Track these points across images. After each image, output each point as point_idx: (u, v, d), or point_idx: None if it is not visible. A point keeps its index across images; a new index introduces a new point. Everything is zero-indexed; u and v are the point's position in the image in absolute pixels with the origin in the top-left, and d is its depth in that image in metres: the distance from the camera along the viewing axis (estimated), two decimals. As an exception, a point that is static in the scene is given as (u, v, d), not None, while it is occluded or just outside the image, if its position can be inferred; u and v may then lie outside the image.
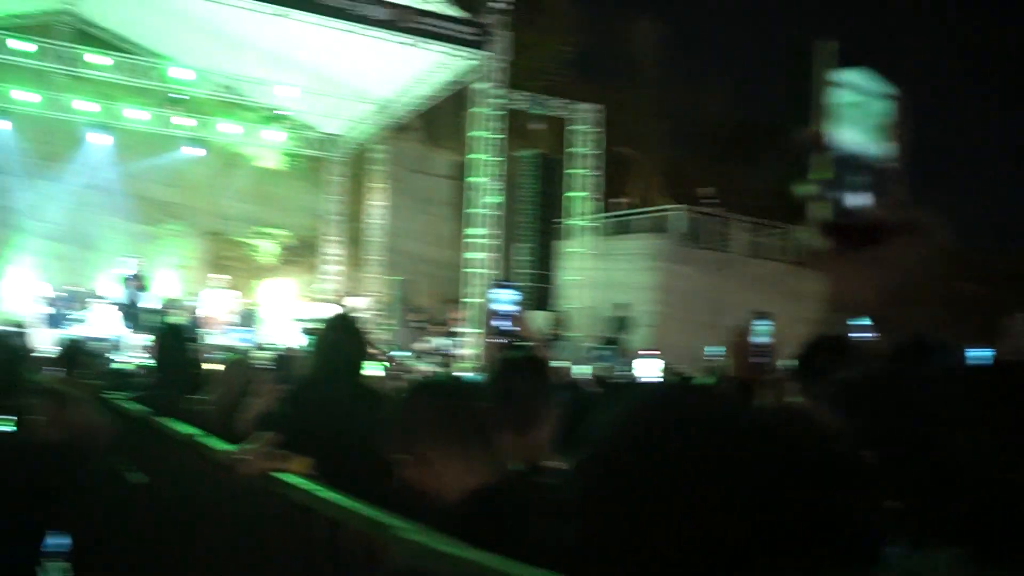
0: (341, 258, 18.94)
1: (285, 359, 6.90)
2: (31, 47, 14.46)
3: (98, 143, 16.78)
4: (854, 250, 0.86)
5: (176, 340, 4.58)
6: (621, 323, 15.00)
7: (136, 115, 16.63)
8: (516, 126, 14.65)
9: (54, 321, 14.79)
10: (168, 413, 3.71)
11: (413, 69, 14.74)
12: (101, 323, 14.31)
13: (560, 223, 15.89)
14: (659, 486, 0.75)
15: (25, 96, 15.72)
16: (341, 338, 3.02)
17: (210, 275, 16.70)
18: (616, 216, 18.91)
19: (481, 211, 13.27)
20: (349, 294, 17.70)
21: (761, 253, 18.20)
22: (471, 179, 13.64)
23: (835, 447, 0.84)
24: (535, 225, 14.76)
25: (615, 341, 14.39)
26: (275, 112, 16.88)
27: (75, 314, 15.10)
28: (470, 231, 13.59)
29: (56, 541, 2.73)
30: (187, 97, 16.38)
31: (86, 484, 2.32)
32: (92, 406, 2.48)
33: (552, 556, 1.10)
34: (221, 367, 4.54)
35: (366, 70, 15.11)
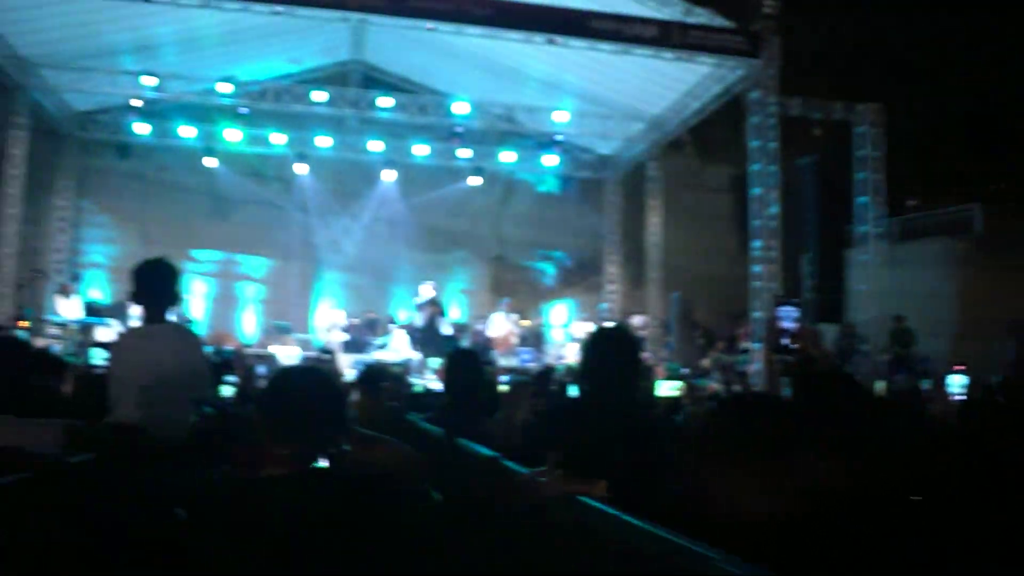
0: (620, 277, 23.59)
1: (544, 374, 9.18)
2: (324, 96, 20.37)
3: (387, 179, 23.07)
4: None
5: (468, 363, 5.66)
6: (902, 335, 17.56)
7: (421, 150, 22.38)
8: (791, 132, 17.97)
9: (355, 347, 20.81)
10: (461, 434, 4.53)
11: (683, 84, 18.64)
12: (398, 348, 20.11)
13: (847, 230, 18.64)
14: None
15: (322, 141, 22.10)
16: (612, 352, 3.43)
17: (495, 299, 22.26)
18: (906, 219, 21.19)
19: (762, 223, 16.14)
20: (629, 312, 22.55)
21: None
22: (751, 191, 16.54)
23: None
24: (817, 234, 18.23)
25: (904, 355, 17.28)
26: (551, 137, 21.73)
27: (374, 340, 21.31)
28: (753, 244, 16.47)
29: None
30: (464, 130, 21.71)
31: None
32: (399, 445, 2.89)
33: None
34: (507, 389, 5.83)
35: (636, 89, 19.30)
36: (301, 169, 22.68)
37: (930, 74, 22.68)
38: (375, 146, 22.42)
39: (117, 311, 18.56)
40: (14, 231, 19.96)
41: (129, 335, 4.64)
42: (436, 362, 17.18)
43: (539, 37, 16.04)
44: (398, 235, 23.60)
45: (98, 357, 8.39)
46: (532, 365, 18.06)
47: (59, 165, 21.87)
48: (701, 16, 16.10)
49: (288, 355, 18.38)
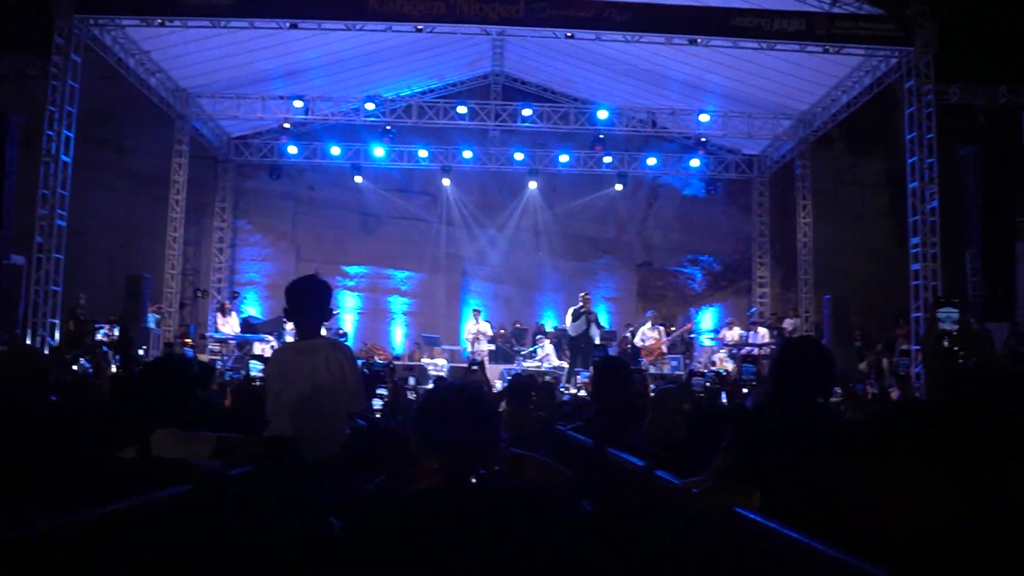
0: (770, 279, 23.03)
1: (687, 381, 8.75)
2: (466, 109, 20.61)
3: (530, 189, 23.26)
4: None
5: (616, 372, 5.62)
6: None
7: (564, 159, 22.46)
8: (950, 121, 17.15)
9: (503, 357, 20.95)
10: (610, 443, 4.49)
11: (831, 77, 18.10)
12: (547, 357, 20.18)
13: (1015, 222, 17.60)
14: None
15: (465, 153, 22.34)
16: (799, 363, 3.28)
17: (642, 306, 22.26)
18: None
19: (920, 218, 15.35)
20: (781, 315, 22.04)
21: None
22: (908, 185, 15.66)
23: None
24: (982, 227, 17.36)
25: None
26: (695, 140, 21.34)
27: (522, 350, 21.45)
28: (911, 241, 15.68)
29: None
30: (606, 136, 21.80)
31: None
32: (548, 463, 2.87)
33: None
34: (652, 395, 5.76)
35: (782, 85, 18.82)
36: (446, 182, 23.10)
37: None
38: (518, 156, 22.72)
39: (273, 327, 19.32)
40: (178, 253, 21.08)
41: (284, 350, 4.77)
42: (585, 371, 17.12)
43: (680, 38, 15.84)
44: (543, 244, 23.75)
45: (256, 369, 8.70)
46: (681, 373, 17.88)
47: (216, 188, 22.93)
48: (849, 5, 15.60)
49: (437, 367, 18.68)
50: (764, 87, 19.31)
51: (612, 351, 19.61)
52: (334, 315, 21.09)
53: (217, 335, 19.04)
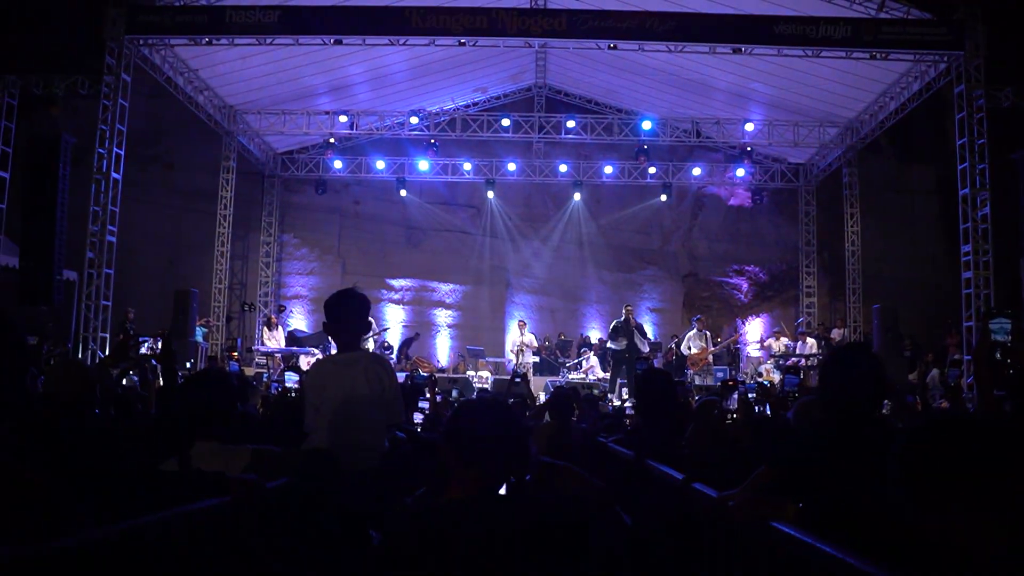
0: (818, 289, 22.68)
1: (723, 392, 9.28)
2: (510, 122, 20.71)
3: (574, 200, 23.30)
4: None
5: (659, 383, 5.56)
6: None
7: (608, 170, 22.47)
8: (1002, 127, 16.69)
9: (547, 369, 20.99)
10: (652, 455, 4.48)
11: (879, 83, 17.92)
12: (591, 369, 20.09)
13: None
14: None
15: (509, 166, 22.43)
16: (847, 371, 3.23)
17: (688, 316, 22.07)
18: None
19: (972, 225, 15.09)
20: (829, 325, 21.75)
21: None
22: (960, 191, 15.40)
23: None
24: (1039, 234, 16.95)
25: None
26: (740, 149, 21.24)
27: (567, 361, 21.45)
28: (962, 249, 15.39)
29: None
30: (650, 147, 21.77)
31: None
32: (579, 473, 2.86)
33: None
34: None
35: (828, 93, 18.65)
36: (490, 195, 23.23)
37: None
38: (562, 168, 22.77)
39: (318, 340, 19.48)
40: (225, 267, 21.37)
41: (323, 363, 4.80)
42: (629, 383, 17.03)
43: (724, 47, 15.77)
44: (587, 256, 23.72)
45: (291, 380, 8.80)
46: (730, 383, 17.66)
47: (263, 203, 23.21)
48: (896, 10, 15.40)
49: (481, 379, 18.71)
50: (810, 95, 19.14)
51: (657, 362, 19.55)
52: (386, 330, 21.27)
53: (263, 349, 19.24)
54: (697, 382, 17.78)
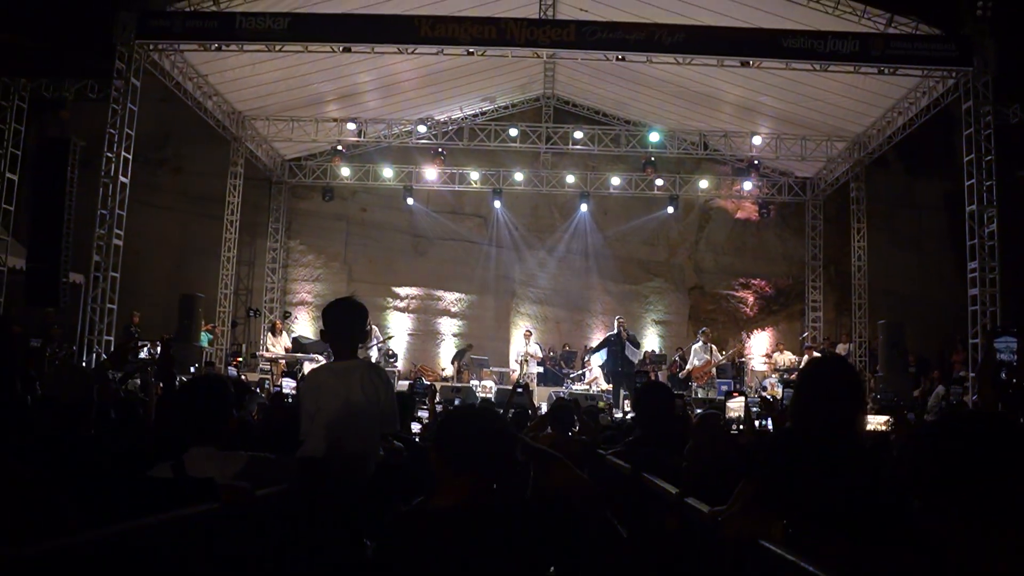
0: (824, 304, 22.67)
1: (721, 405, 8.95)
2: (518, 132, 20.90)
3: (581, 211, 23.19)
4: None
5: (658, 396, 5.58)
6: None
7: (615, 181, 22.53)
8: (1010, 144, 16.60)
9: (550, 380, 20.87)
10: (650, 468, 4.45)
11: (887, 98, 17.85)
12: (595, 381, 20.04)
13: None
14: None
15: (516, 176, 22.43)
16: (821, 383, 3.18)
17: (693, 329, 22.05)
18: None
19: (979, 242, 14.86)
20: (834, 340, 21.67)
21: None
22: (967, 208, 15.10)
23: None
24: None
25: None
26: (748, 162, 21.33)
27: (570, 372, 21.41)
28: (969, 265, 15.14)
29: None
30: (658, 159, 21.73)
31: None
32: (573, 469, 2.84)
33: None
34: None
35: (836, 107, 18.63)
36: (497, 204, 23.22)
37: None
38: (569, 179, 22.79)
39: (323, 347, 19.43)
40: (232, 272, 21.42)
41: (320, 371, 4.79)
42: (629, 396, 16.96)
43: (732, 60, 15.75)
44: (593, 267, 23.69)
45: (288, 387, 8.80)
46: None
47: (270, 209, 23.26)
48: (905, 25, 15.38)
49: (484, 388, 18.69)
50: (818, 109, 19.13)
51: (661, 375, 19.54)
52: (390, 338, 21.28)
53: (268, 354, 19.26)
54: (700, 395, 17.70)
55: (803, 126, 20.34)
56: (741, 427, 6.84)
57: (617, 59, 16.06)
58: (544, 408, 11.64)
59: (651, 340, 23.29)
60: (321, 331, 4.58)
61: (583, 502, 2.88)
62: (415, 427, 7.54)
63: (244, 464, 3.49)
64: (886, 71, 15.69)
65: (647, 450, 5.07)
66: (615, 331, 18.31)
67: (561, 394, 17.04)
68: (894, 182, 23.07)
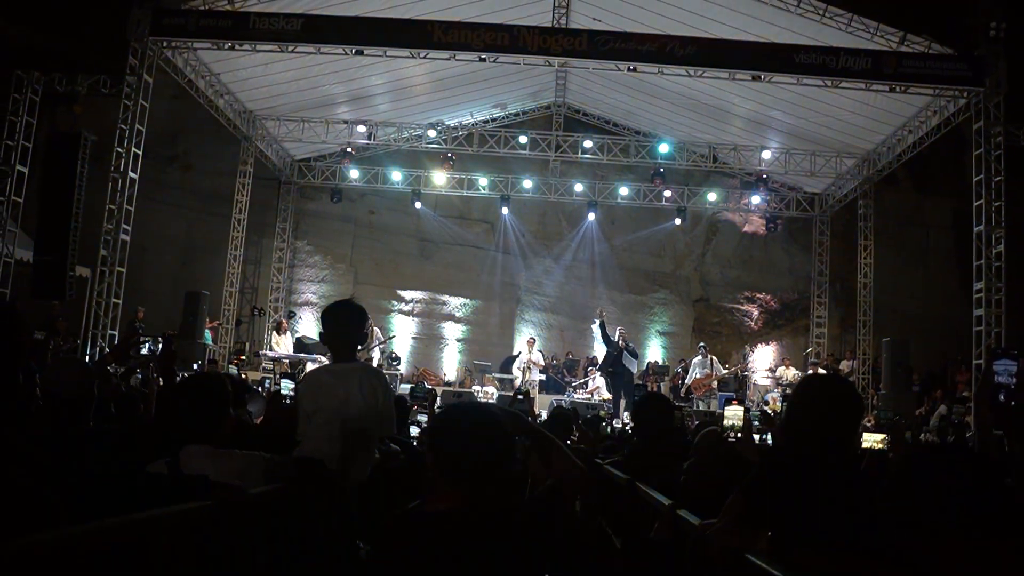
0: (829, 319, 22.54)
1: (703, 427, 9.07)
2: (528, 139, 20.90)
3: (589, 220, 23.18)
4: None
5: (658, 407, 5.62)
6: None
7: (623, 191, 22.51)
8: (1020, 165, 16.54)
9: (553, 388, 20.94)
10: (647, 479, 4.49)
11: (898, 116, 17.84)
12: (597, 389, 20.00)
13: None
14: None
15: (525, 183, 22.51)
16: (813, 401, 3.17)
17: (697, 341, 22.02)
18: None
19: (985, 262, 14.83)
20: (839, 356, 21.61)
21: None
22: (976, 228, 15.12)
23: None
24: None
25: None
26: (756, 176, 21.25)
27: (573, 381, 21.41)
28: (976, 285, 15.07)
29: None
30: (667, 170, 21.81)
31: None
32: (571, 456, 2.84)
33: None
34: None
35: (847, 124, 18.61)
36: (504, 211, 23.21)
37: None
38: (578, 187, 22.79)
39: (325, 348, 19.44)
40: (238, 271, 21.46)
41: (318, 372, 4.80)
42: (629, 406, 16.90)
43: (743, 74, 15.75)
44: (599, 276, 23.69)
45: (286, 388, 8.78)
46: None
47: (278, 209, 23.30)
48: (917, 44, 15.37)
49: (487, 394, 18.68)
50: (828, 125, 19.11)
51: (663, 387, 19.53)
52: (392, 338, 21.30)
53: (271, 353, 19.28)
54: (700, 407, 17.68)
55: (813, 141, 20.32)
56: (739, 435, 6.72)
57: (629, 70, 16.01)
58: (544, 416, 11.66)
59: (655, 351, 23.27)
60: (320, 333, 4.58)
61: (574, 485, 2.89)
62: (413, 431, 7.53)
63: (240, 463, 3.49)
64: (897, 89, 15.69)
65: (644, 461, 5.08)
66: (616, 338, 18.27)
67: (563, 402, 16.95)
68: (903, 200, 23.04)
